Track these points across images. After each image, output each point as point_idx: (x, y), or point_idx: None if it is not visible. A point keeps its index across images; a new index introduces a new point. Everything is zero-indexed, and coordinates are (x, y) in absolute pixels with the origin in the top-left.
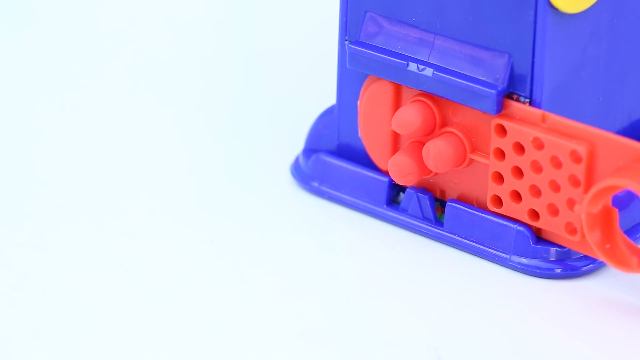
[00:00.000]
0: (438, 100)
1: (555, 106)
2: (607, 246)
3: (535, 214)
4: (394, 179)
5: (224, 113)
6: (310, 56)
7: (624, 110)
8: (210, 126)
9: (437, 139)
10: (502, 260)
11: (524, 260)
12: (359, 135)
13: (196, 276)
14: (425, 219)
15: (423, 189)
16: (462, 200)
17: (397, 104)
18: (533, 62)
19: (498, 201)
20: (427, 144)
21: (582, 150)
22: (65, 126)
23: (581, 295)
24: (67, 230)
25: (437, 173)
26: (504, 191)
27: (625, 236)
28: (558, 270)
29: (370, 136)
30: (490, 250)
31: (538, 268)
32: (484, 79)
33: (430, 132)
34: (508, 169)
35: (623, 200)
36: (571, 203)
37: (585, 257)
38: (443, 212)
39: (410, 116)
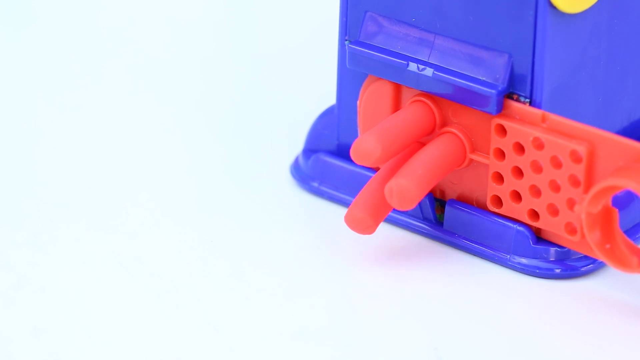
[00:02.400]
0: (438, 100)
1: (555, 106)
2: (607, 246)
3: (535, 214)
4: (353, 231)
5: (224, 113)
6: (310, 56)
7: (624, 110)
8: (210, 126)
9: (399, 177)
10: (502, 260)
11: (523, 261)
12: (359, 135)
13: (196, 276)
14: (425, 219)
15: None
16: (462, 200)
17: (397, 104)
18: (533, 62)
19: (498, 201)
20: (389, 183)
21: (582, 150)
22: (65, 126)
23: (581, 295)
24: (67, 230)
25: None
26: (503, 191)
27: (625, 236)
28: (558, 271)
29: None
30: (490, 250)
31: (538, 268)
32: (484, 78)
33: (430, 131)
34: (508, 169)
35: (623, 200)
36: (571, 203)
37: (585, 257)
38: (443, 212)
39: (370, 145)
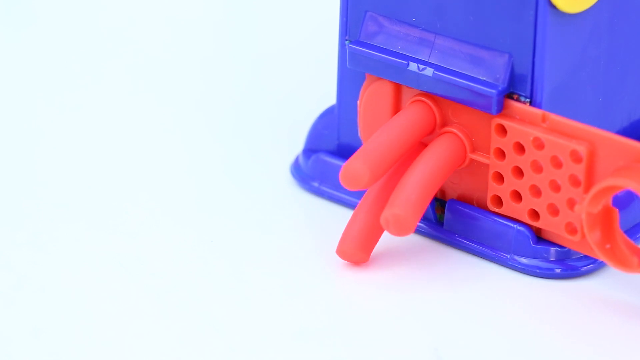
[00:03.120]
0: (438, 100)
1: (555, 106)
2: (607, 246)
3: (535, 214)
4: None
5: (224, 113)
6: (310, 56)
7: (624, 110)
8: (210, 126)
9: (394, 207)
10: (502, 260)
11: (524, 260)
12: (359, 135)
13: (196, 276)
14: (425, 219)
15: None
16: (462, 200)
17: (397, 104)
18: (533, 62)
19: (498, 201)
20: (384, 214)
21: (582, 150)
22: (65, 126)
23: (581, 295)
24: (67, 230)
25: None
26: (504, 191)
27: (625, 236)
28: (558, 270)
29: (370, 136)
30: (490, 250)
31: (538, 268)
32: (484, 78)
33: (430, 131)
34: (508, 169)
35: (623, 200)
36: (571, 203)
37: (585, 257)
38: (443, 212)
39: (357, 170)
